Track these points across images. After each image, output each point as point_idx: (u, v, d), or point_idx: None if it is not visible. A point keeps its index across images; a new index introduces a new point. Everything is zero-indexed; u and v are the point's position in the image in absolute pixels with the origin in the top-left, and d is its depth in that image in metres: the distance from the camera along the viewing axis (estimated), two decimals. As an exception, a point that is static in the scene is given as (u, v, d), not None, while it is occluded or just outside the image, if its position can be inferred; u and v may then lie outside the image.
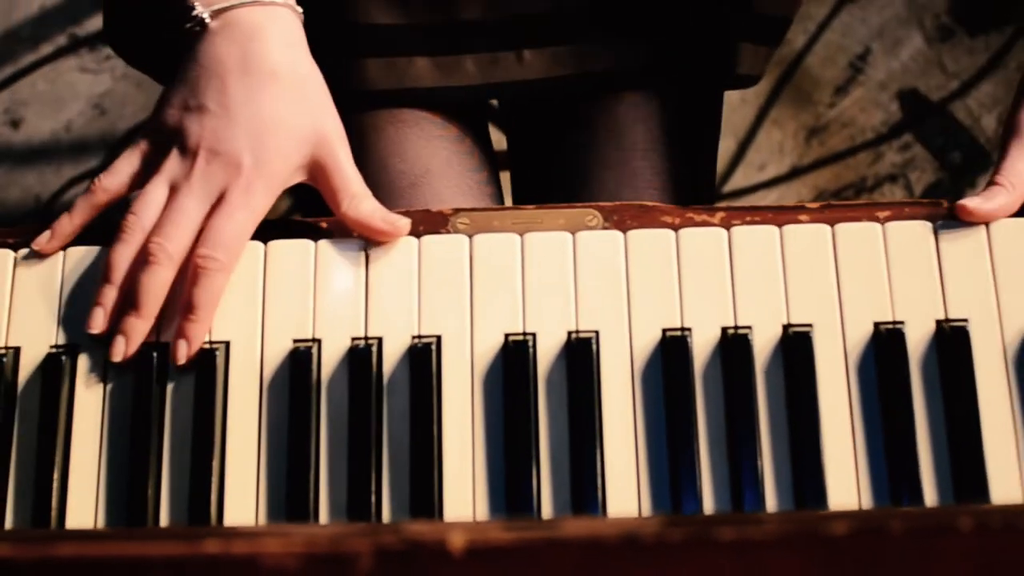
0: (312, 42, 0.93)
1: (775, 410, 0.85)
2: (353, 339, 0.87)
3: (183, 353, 0.85)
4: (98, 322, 0.86)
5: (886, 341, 0.85)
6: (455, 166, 1.09)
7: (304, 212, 1.06)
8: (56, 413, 0.85)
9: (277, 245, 0.89)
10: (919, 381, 0.85)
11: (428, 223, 0.91)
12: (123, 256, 0.87)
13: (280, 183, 0.89)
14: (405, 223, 0.90)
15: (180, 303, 0.86)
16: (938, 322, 0.86)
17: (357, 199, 0.90)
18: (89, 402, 0.86)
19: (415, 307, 0.88)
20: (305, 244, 0.89)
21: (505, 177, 1.20)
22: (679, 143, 1.10)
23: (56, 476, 0.84)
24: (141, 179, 0.90)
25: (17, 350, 0.87)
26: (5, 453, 0.85)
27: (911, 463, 0.83)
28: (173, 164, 0.88)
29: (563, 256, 0.89)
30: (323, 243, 0.89)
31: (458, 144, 1.10)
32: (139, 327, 0.86)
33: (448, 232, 0.90)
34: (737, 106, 2.01)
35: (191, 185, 0.87)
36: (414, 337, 0.87)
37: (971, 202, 0.89)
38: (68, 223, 0.90)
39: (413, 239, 0.89)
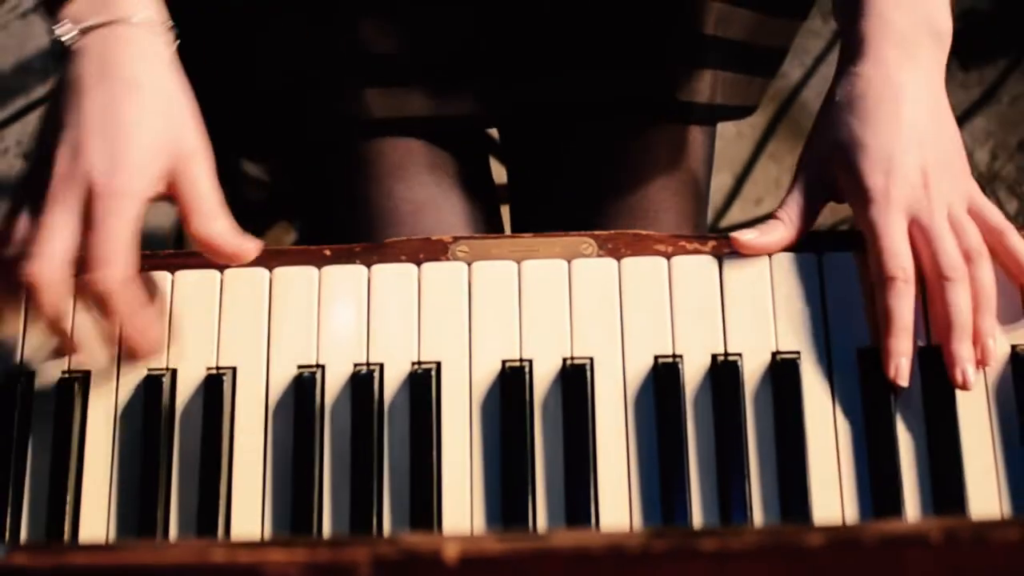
0: (315, 71, 0.95)
1: (763, 433, 0.87)
2: (355, 365, 0.90)
3: (146, 353, 0.88)
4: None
5: (869, 365, 0.88)
6: (457, 194, 1.11)
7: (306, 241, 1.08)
8: (69, 434, 0.88)
9: (282, 272, 0.92)
10: (901, 403, 0.88)
11: (428, 251, 0.94)
12: (4, 291, 0.87)
13: (141, 188, 0.87)
14: (252, 248, 0.91)
15: (123, 331, 0.88)
16: (925, 348, 0.89)
17: (208, 217, 0.90)
18: (101, 423, 0.89)
19: (415, 334, 0.91)
20: (309, 271, 0.92)
21: (505, 212, 1.23)
22: (672, 172, 1.12)
23: (69, 497, 0.87)
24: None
25: (31, 375, 0.90)
26: (21, 471, 0.88)
27: (893, 482, 0.85)
28: (37, 187, 0.87)
29: (559, 283, 0.91)
30: (326, 270, 0.92)
31: (460, 173, 1.13)
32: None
33: (448, 260, 0.93)
34: (734, 140, 2.04)
35: (50, 200, 0.86)
36: (414, 363, 0.90)
37: (744, 236, 0.92)
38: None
39: (413, 267, 0.92)
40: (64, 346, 0.89)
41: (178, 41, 0.94)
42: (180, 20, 0.95)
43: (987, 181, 2.04)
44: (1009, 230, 0.90)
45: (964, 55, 2.11)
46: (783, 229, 0.92)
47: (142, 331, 0.88)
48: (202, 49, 1.07)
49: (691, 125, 1.14)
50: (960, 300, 0.87)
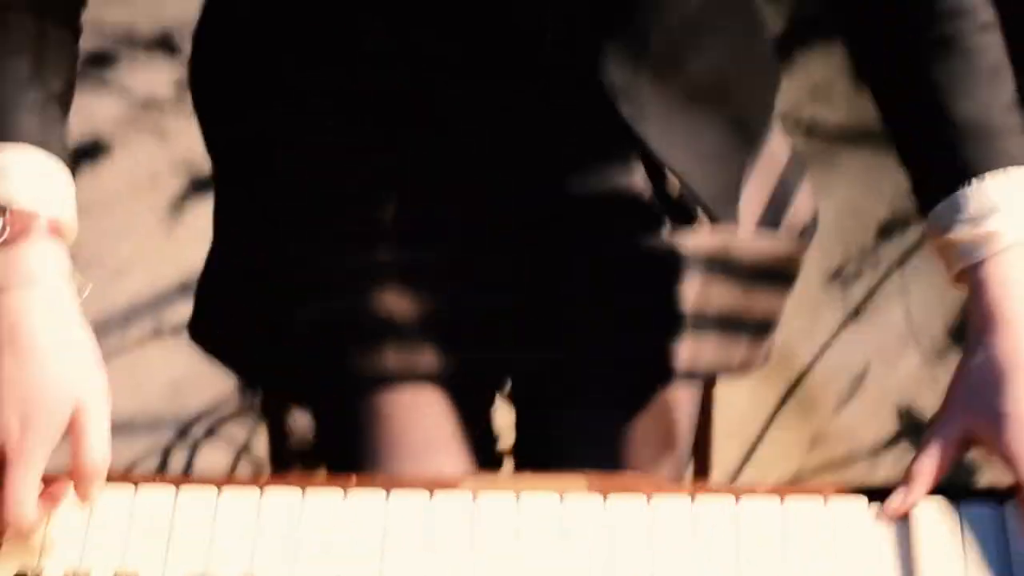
0: (335, 329, 1.09)
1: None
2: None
3: None
4: None
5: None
6: (462, 439, 1.23)
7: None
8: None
9: (312, 492, 1.05)
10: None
11: (440, 486, 1.06)
12: None
13: (52, 438, 0.98)
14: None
15: None
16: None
17: (90, 476, 0.99)
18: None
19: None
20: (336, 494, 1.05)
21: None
22: (653, 429, 1.25)
23: None
24: None
25: None
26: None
27: None
28: None
29: (553, 517, 1.03)
30: (351, 493, 1.04)
31: (465, 421, 1.25)
32: None
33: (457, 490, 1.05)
34: (746, 412, 2.17)
35: None
36: (421, 582, 1.01)
37: (892, 504, 1.03)
38: None
39: (426, 495, 1.05)
40: None
41: (87, 292, 1.03)
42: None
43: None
44: None
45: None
46: (922, 488, 1.03)
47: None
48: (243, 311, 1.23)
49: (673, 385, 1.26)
50: None
